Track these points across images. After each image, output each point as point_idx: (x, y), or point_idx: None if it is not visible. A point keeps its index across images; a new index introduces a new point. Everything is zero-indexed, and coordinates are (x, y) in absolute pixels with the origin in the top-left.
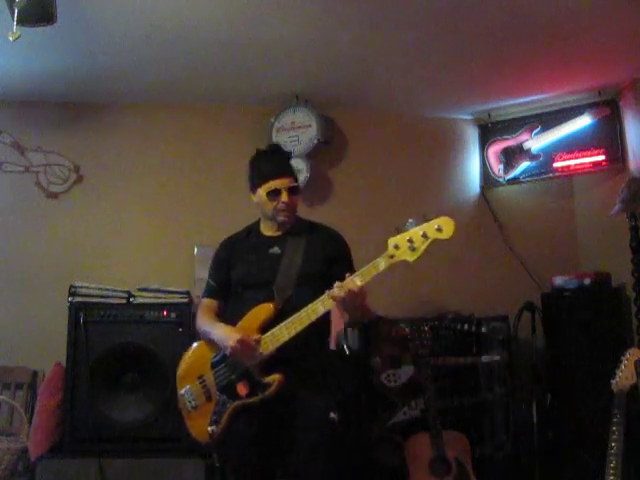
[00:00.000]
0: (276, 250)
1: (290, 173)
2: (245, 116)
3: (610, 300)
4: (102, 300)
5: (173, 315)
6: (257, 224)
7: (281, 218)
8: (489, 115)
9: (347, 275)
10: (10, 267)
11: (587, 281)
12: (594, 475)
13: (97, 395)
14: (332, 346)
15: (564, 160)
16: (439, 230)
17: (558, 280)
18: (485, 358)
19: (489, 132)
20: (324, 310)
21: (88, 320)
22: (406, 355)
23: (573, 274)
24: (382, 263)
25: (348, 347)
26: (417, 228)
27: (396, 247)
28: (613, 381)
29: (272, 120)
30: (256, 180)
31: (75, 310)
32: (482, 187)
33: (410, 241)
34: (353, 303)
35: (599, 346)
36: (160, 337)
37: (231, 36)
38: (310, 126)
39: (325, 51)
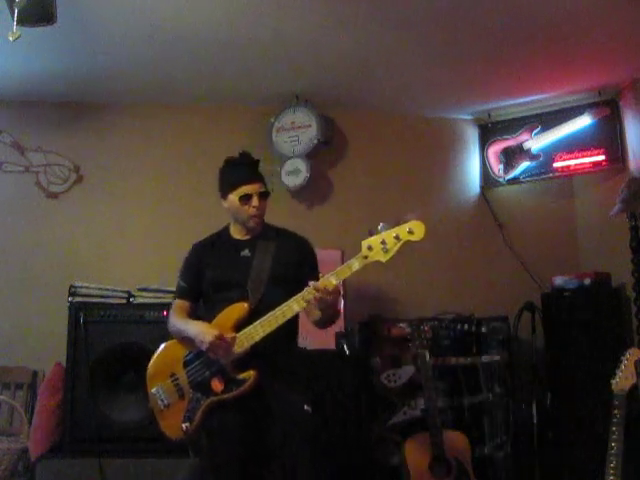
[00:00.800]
0: (247, 253)
1: (260, 179)
2: (245, 116)
3: (610, 300)
4: (102, 300)
5: (169, 314)
6: (227, 229)
7: (252, 223)
8: (489, 115)
9: (321, 275)
10: (10, 267)
11: (587, 281)
12: (594, 475)
13: (97, 395)
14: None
15: (564, 160)
16: (410, 232)
17: (558, 280)
18: (485, 358)
19: (489, 132)
20: (299, 309)
21: (88, 320)
22: (406, 355)
23: (573, 274)
24: (356, 263)
25: (348, 347)
26: (390, 231)
27: (369, 248)
28: (613, 381)
29: (272, 120)
30: (228, 186)
31: (75, 310)
32: (482, 187)
33: (383, 243)
34: (327, 301)
35: (599, 346)
36: (160, 337)
37: (231, 36)
38: (310, 126)
39: (325, 51)
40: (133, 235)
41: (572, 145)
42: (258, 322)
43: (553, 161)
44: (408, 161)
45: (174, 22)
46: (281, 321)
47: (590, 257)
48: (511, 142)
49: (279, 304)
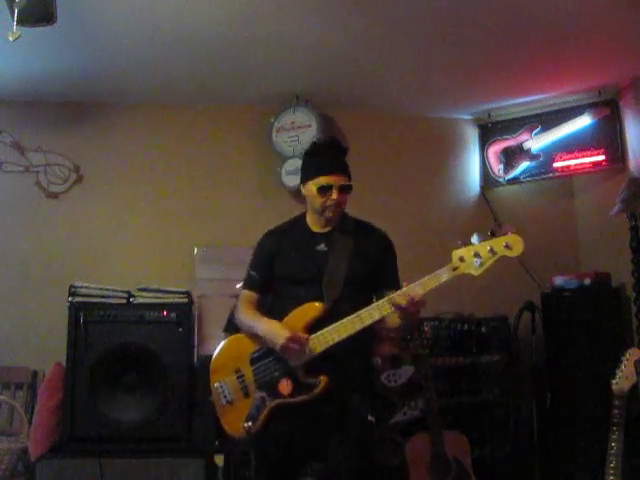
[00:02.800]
0: (323, 247)
1: (343, 171)
2: (245, 116)
3: (610, 300)
4: (102, 300)
5: (173, 315)
6: (303, 217)
7: (328, 214)
8: (489, 115)
9: (405, 284)
10: (10, 267)
11: (587, 281)
12: (594, 475)
13: (97, 395)
14: None
15: (564, 160)
16: (508, 247)
17: (558, 280)
18: (485, 358)
19: (489, 132)
20: (379, 316)
21: (88, 320)
22: (406, 355)
23: (573, 274)
24: (445, 275)
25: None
26: (485, 243)
27: (461, 259)
28: (613, 381)
29: (272, 120)
30: (308, 173)
31: (75, 310)
32: (482, 187)
33: (477, 255)
34: (411, 312)
35: (599, 346)
36: (160, 337)
37: (231, 36)
38: (310, 126)
39: (325, 51)
40: (133, 235)
41: (572, 145)
42: (333, 326)
43: (553, 161)
44: (408, 161)
45: (174, 22)
46: (358, 327)
47: (590, 257)
48: (511, 142)
49: (354, 307)
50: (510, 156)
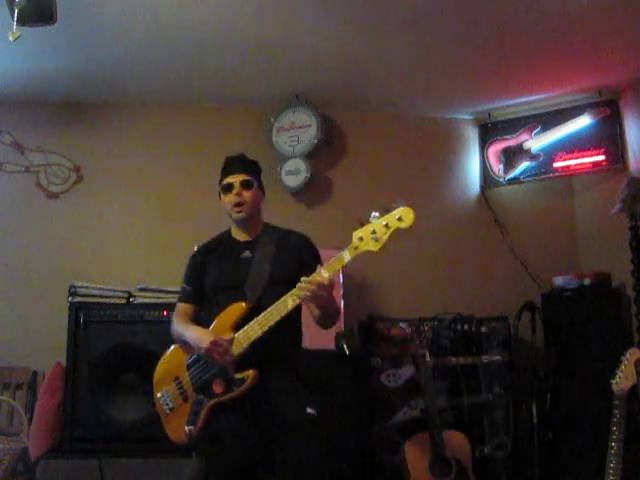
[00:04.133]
0: (247, 254)
1: (243, 170)
2: (245, 116)
3: (610, 300)
4: (102, 300)
5: (172, 318)
6: (228, 231)
7: (235, 213)
8: (489, 115)
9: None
10: (10, 267)
11: (587, 281)
12: (594, 475)
13: (97, 395)
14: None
15: (564, 160)
16: (400, 220)
17: (558, 280)
18: (485, 358)
19: (489, 132)
20: (293, 304)
21: (88, 320)
22: (406, 355)
23: (573, 274)
24: (347, 254)
25: (348, 347)
26: (379, 220)
27: (360, 239)
28: (613, 381)
29: (272, 120)
30: (219, 184)
31: (75, 310)
32: (482, 187)
33: (373, 232)
34: (321, 296)
35: (599, 346)
36: (160, 337)
37: (231, 36)
38: (310, 126)
39: (325, 51)
40: (133, 235)
41: (572, 145)
42: (254, 320)
43: (553, 161)
44: (408, 161)
45: (174, 23)
46: (277, 318)
47: (590, 257)
48: (511, 142)
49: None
50: (510, 156)
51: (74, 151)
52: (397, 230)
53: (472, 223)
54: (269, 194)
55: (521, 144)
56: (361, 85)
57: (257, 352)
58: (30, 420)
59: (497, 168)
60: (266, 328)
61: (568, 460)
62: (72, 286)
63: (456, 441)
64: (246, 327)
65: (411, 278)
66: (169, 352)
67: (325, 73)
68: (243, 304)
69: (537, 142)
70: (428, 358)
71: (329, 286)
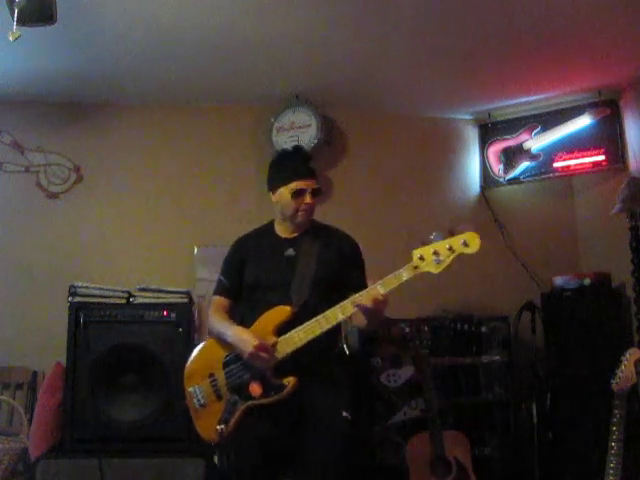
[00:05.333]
0: (291, 252)
1: (314, 175)
2: (245, 116)
3: (610, 300)
4: (102, 300)
5: (173, 315)
6: (271, 225)
7: (299, 219)
8: (489, 115)
9: (370, 283)
10: (10, 267)
11: (587, 281)
12: (594, 475)
13: (97, 395)
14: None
15: (564, 160)
16: (465, 245)
17: (558, 280)
18: (485, 358)
19: (489, 132)
20: (343, 317)
21: (88, 320)
22: (406, 355)
23: (573, 274)
24: (405, 274)
25: (348, 347)
26: (443, 241)
27: (421, 258)
28: (613, 381)
29: (272, 120)
30: (279, 179)
31: (75, 310)
32: (482, 187)
33: (436, 254)
34: (374, 312)
35: (599, 346)
36: (160, 337)
37: (231, 36)
38: (310, 126)
39: (325, 51)
40: (133, 235)
41: (572, 145)
42: (301, 328)
43: (553, 161)
44: (408, 161)
45: (174, 23)
46: (325, 328)
47: (590, 257)
48: (511, 142)
49: (322, 308)
50: (510, 156)
51: (74, 151)
52: (461, 255)
53: (472, 223)
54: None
55: (521, 144)
56: (361, 85)
57: (297, 358)
58: (30, 420)
59: (497, 168)
60: (311, 337)
61: (568, 460)
62: (72, 286)
63: (456, 441)
64: (291, 333)
65: (411, 278)
66: (203, 345)
67: (325, 73)
68: (288, 308)
69: (537, 142)
70: (428, 358)
71: (384, 302)
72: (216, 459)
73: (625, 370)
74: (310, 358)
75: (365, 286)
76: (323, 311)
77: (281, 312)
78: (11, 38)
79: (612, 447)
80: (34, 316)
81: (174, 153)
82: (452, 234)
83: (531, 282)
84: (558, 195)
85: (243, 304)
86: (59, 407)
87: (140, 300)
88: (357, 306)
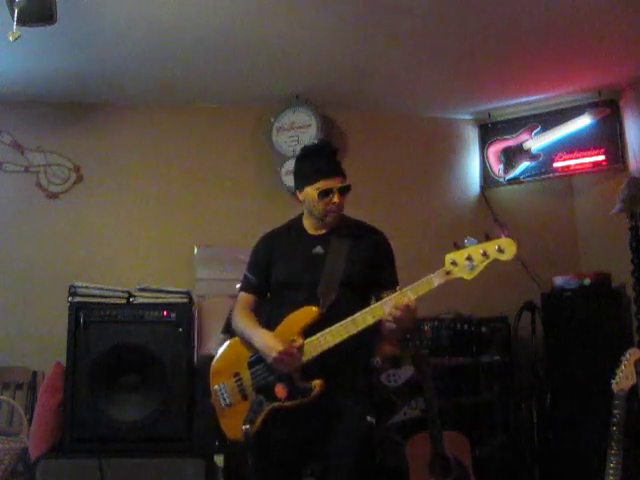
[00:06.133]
0: (319, 250)
1: (341, 172)
2: (245, 116)
3: (610, 300)
4: (102, 300)
5: (173, 315)
6: (299, 220)
7: (329, 219)
8: (489, 115)
9: (398, 288)
10: (10, 267)
11: (587, 281)
12: (594, 475)
13: (97, 395)
14: None
15: (564, 160)
16: (500, 251)
17: (558, 280)
18: (485, 358)
19: (489, 132)
20: (373, 321)
21: (88, 320)
22: (406, 355)
23: (573, 274)
24: (436, 280)
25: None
26: (478, 246)
27: (454, 263)
28: (613, 381)
29: (272, 120)
30: (306, 178)
31: (75, 310)
32: (482, 187)
33: (469, 259)
34: (404, 317)
35: (599, 346)
36: (160, 337)
37: (231, 36)
38: (310, 126)
39: (325, 51)
40: (133, 235)
41: (572, 145)
42: (328, 330)
43: (553, 161)
44: (408, 161)
45: (174, 23)
46: (352, 331)
47: (590, 257)
48: (511, 142)
49: (351, 310)
50: (510, 156)
51: (74, 151)
52: (495, 261)
53: (472, 223)
54: (269, 194)
55: (521, 144)
56: (361, 85)
57: (325, 361)
58: (30, 420)
59: (497, 168)
60: (339, 340)
61: (568, 460)
62: (72, 286)
63: (456, 441)
64: (318, 336)
65: (411, 278)
66: (230, 344)
67: (325, 73)
68: (315, 309)
69: (537, 142)
70: (428, 358)
71: (414, 309)
72: (218, 459)
73: (625, 370)
74: (338, 361)
75: (397, 283)
76: (353, 311)
77: (308, 313)
78: (11, 38)
79: (612, 447)
80: (34, 316)
81: (174, 153)
82: (488, 238)
83: (531, 282)
84: (558, 195)
85: (270, 302)
86: (59, 407)
87: (140, 300)
88: (389, 314)
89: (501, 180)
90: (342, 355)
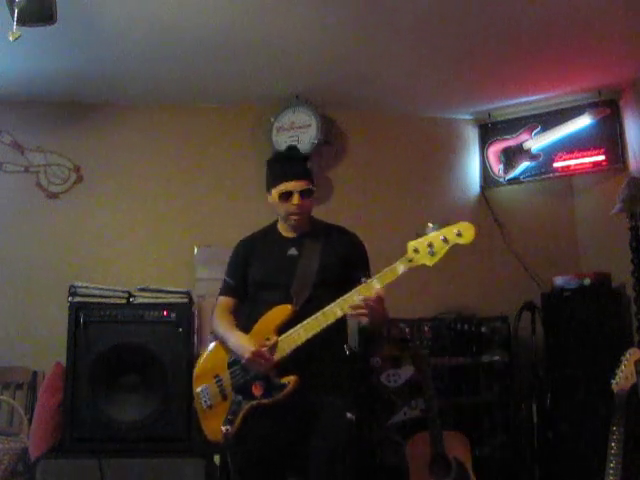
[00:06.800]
0: (293, 252)
1: (303, 176)
2: (245, 116)
3: (610, 300)
4: (102, 300)
5: (173, 315)
6: (274, 225)
7: (291, 221)
8: (489, 115)
9: (363, 280)
10: (10, 267)
11: (587, 281)
12: (594, 475)
13: (97, 395)
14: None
15: (564, 160)
16: (459, 235)
17: (558, 280)
18: (485, 358)
19: (489, 132)
20: (341, 314)
21: (88, 320)
22: (406, 355)
23: (573, 274)
24: (400, 267)
25: (348, 347)
26: (437, 232)
27: (415, 251)
28: (613, 381)
29: (272, 120)
30: (270, 181)
31: (75, 310)
32: (482, 187)
33: (430, 245)
34: (372, 307)
35: (599, 346)
36: (160, 337)
37: (231, 36)
38: (310, 126)
39: (325, 51)
40: (133, 235)
41: (572, 145)
42: (300, 325)
43: (553, 161)
44: (408, 161)
45: (174, 23)
46: (324, 324)
47: (590, 257)
48: (511, 142)
49: (325, 307)
50: (510, 156)
51: (74, 151)
52: (455, 246)
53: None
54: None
55: (521, 144)
56: (361, 85)
57: (299, 357)
58: (30, 420)
59: (497, 168)
60: (312, 334)
61: (568, 460)
62: (72, 286)
63: (456, 441)
64: (291, 331)
65: (411, 278)
66: (211, 348)
67: (325, 73)
68: (289, 307)
69: (537, 142)
70: (428, 358)
71: (381, 298)
72: (217, 459)
73: (625, 370)
74: (313, 357)
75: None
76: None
77: (282, 311)
78: (11, 38)
79: (612, 447)
80: (34, 316)
81: (174, 153)
82: (446, 225)
83: (531, 282)
84: (558, 195)
85: (247, 303)
86: (59, 407)
87: (140, 300)
88: (351, 306)
89: (501, 180)
90: (316, 350)
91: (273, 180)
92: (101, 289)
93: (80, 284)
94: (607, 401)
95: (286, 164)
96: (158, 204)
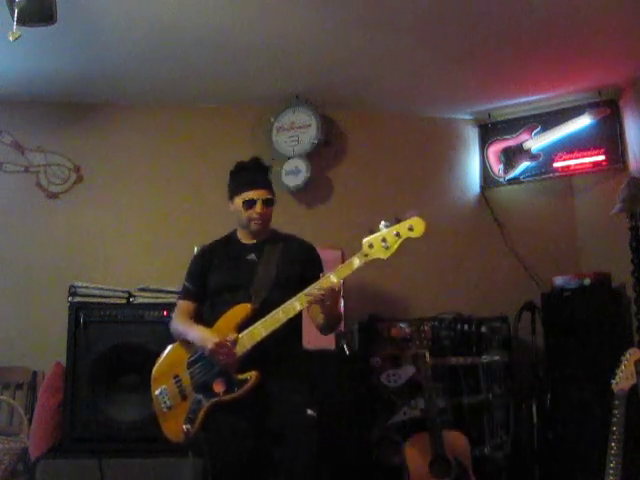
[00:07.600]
0: (252, 257)
1: (266, 186)
2: (245, 116)
3: (610, 300)
4: (102, 300)
5: (173, 315)
6: (234, 233)
7: (253, 227)
8: (489, 115)
9: (321, 274)
10: (10, 267)
11: (587, 281)
12: (594, 475)
13: (97, 395)
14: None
15: (564, 160)
16: (410, 229)
17: (558, 280)
18: (485, 358)
19: (489, 132)
20: (300, 308)
21: (88, 320)
22: (406, 355)
23: (573, 274)
24: (356, 261)
25: (348, 347)
26: (390, 228)
27: (370, 246)
28: (613, 381)
29: (272, 120)
30: (234, 190)
31: (75, 310)
32: (482, 187)
33: (384, 240)
34: (328, 299)
35: (599, 346)
36: (160, 337)
37: (232, 37)
38: (310, 126)
39: (325, 51)
40: (133, 235)
41: (572, 145)
42: (260, 322)
43: (553, 161)
44: (408, 161)
45: (174, 23)
46: (283, 320)
47: (590, 257)
48: (511, 142)
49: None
50: (510, 156)
51: (74, 151)
52: (407, 239)
53: (472, 223)
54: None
55: (521, 144)
56: (361, 85)
57: (260, 353)
58: (30, 420)
59: (497, 168)
60: (271, 330)
61: (568, 460)
62: (72, 286)
63: (456, 441)
64: (251, 328)
65: (411, 278)
66: (169, 350)
67: (325, 73)
68: (248, 305)
69: (537, 142)
70: (428, 358)
71: (337, 291)
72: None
73: (625, 370)
74: (273, 353)
75: None
76: None
77: (242, 309)
78: (11, 38)
79: (612, 447)
80: (34, 316)
81: (174, 153)
82: (399, 221)
83: (531, 282)
84: (558, 195)
85: (207, 306)
86: (59, 407)
87: (140, 300)
88: (311, 296)
89: (501, 180)
90: (275, 346)
91: (237, 188)
92: (101, 289)
93: (80, 284)
94: (607, 401)
95: (250, 174)
96: (158, 204)
